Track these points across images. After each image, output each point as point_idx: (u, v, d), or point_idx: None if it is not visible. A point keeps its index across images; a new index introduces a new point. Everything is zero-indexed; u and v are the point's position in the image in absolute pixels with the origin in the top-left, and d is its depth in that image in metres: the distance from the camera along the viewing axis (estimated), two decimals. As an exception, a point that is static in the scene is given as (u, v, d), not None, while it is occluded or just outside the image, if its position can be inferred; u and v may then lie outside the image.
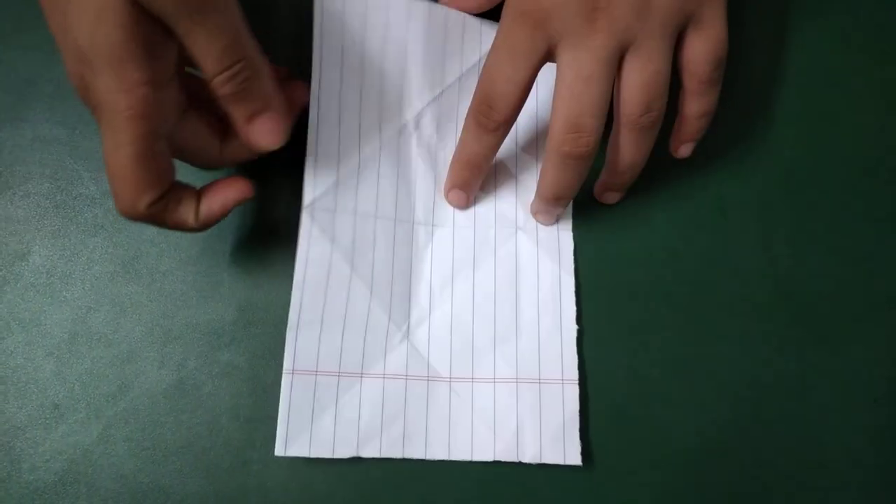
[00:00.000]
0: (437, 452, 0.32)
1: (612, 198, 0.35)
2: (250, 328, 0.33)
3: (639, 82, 0.29)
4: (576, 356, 0.33)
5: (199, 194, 0.30)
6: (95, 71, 0.25)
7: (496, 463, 0.32)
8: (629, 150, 0.31)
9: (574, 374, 0.33)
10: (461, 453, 0.32)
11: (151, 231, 0.34)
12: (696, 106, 0.31)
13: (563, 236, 0.35)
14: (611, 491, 0.32)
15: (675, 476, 0.33)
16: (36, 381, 0.33)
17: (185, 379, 0.33)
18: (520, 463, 0.32)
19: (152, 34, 0.25)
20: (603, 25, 0.28)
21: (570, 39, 0.28)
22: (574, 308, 0.34)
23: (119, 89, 0.25)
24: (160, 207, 0.28)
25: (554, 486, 0.32)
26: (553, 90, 0.29)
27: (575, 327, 0.33)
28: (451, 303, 0.34)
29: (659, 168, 0.35)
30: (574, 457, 0.32)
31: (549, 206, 0.33)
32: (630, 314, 0.35)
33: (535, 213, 0.35)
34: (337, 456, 0.31)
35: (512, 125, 0.31)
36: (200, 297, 0.34)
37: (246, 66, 0.27)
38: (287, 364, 0.31)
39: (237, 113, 0.28)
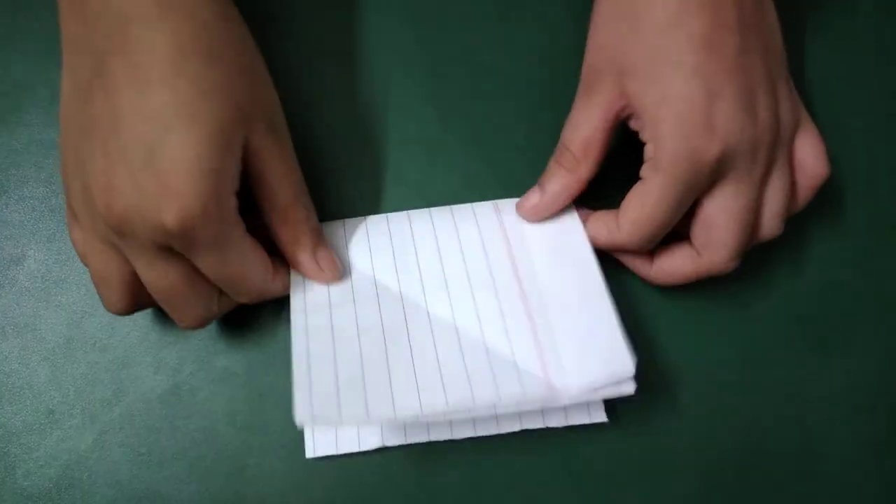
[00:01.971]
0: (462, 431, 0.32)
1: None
2: (246, 333, 0.33)
3: (778, 207, 0.31)
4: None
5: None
6: (177, 192, 0.25)
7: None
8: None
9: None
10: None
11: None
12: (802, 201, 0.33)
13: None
14: (607, 494, 0.32)
15: (670, 483, 0.33)
16: (31, 387, 0.32)
17: (181, 384, 0.33)
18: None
19: (236, 153, 0.27)
20: (761, 158, 0.30)
21: (733, 175, 0.30)
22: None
23: (215, 201, 0.26)
24: (280, 279, 0.31)
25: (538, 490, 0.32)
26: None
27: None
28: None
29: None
30: (599, 414, 0.32)
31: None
32: (629, 320, 0.34)
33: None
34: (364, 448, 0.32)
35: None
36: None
37: (309, 200, 0.31)
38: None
39: (303, 243, 0.31)
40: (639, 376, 0.33)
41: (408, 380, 0.29)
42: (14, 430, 0.32)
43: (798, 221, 0.36)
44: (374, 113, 0.36)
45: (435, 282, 0.32)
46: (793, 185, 0.32)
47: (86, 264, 0.30)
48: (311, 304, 0.31)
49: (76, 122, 0.27)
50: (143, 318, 0.33)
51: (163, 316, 0.33)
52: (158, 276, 0.28)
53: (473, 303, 0.31)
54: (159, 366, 0.33)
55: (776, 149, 0.30)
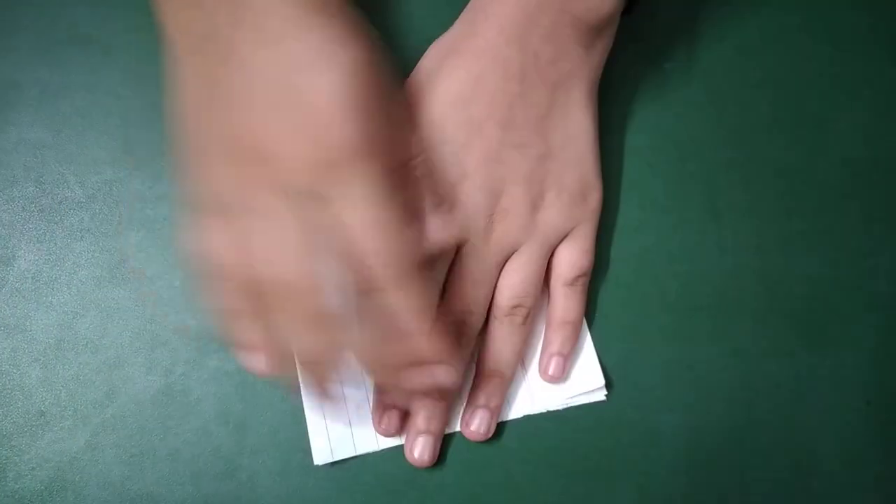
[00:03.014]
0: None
1: (480, 421, 0.32)
2: (239, 333, 0.33)
3: (518, 278, 0.32)
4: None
5: None
6: (336, 120, 0.26)
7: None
8: (499, 343, 0.33)
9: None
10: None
11: (138, 235, 0.34)
12: (559, 311, 0.33)
13: None
14: (599, 491, 0.32)
15: (666, 479, 0.33)
16: (21, 388, 0.32)
17: (173, 385, 0.32)
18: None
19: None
20: (495, 240, 0.32)
21: (469, 243, 0.32)
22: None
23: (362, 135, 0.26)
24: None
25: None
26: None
27: None
28: None
29: (651, 171, 0.35)
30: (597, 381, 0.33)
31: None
32: (622, 317, 0.34)
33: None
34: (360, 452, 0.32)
35: None
36: (188, 301, 0.33)
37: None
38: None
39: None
40: (631, 373, 0.33)
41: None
42: (5, 432, 0.32)
43: (794, 218, 0.36)
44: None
45: None
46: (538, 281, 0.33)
47: (217, 258, 0.28)
48: None
49: (210, 110, 0.27)
50: (135, 319, 0.33)
51: (154, 316, 0.33)
52: (270, 232, 0.26)
53: None
54: (151, 366, 0.33)
55: (518, 242, 0.32)
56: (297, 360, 0.28)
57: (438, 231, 0.31)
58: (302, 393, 0.32)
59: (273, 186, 0.26)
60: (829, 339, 0.35)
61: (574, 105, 0.33)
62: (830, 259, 0.35)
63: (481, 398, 0.32)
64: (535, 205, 0.32)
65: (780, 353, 0.34)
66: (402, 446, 0.32)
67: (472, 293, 0.32)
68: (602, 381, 0.33)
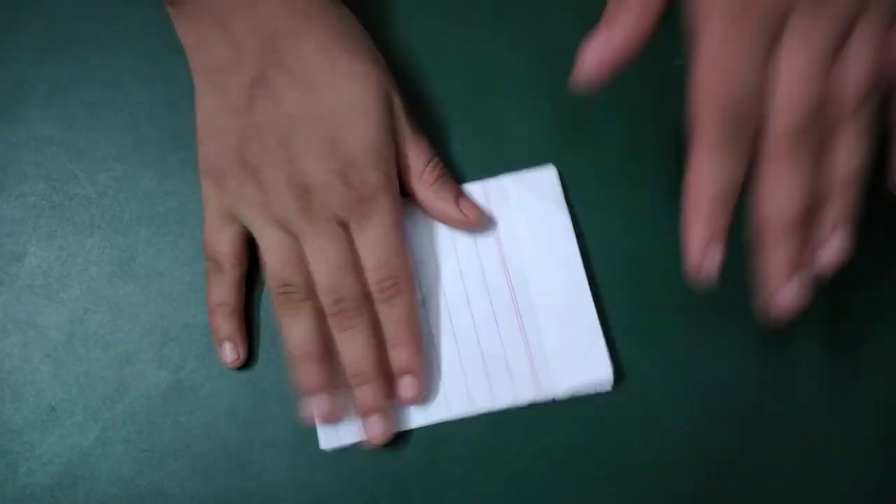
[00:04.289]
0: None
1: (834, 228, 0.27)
2: (248, 329, 0.33)
3: (866, 67, 0.24)
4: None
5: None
6: (367, 164, 0.31)
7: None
8: (852, 147, 0.26)
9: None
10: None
11: (147, 232, 0.34)
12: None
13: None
14: (605, 488, 0.32)
15: (670, 477, 0.33)
16: (33, 384, 0.32)
17: (184, 380, 0.33)
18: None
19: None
20: (831, 8, 0.24)
21: (797, 23, 0.24)
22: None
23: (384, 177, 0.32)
24: None
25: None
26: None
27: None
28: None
29: (656, 167, 0.35)
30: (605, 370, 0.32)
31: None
32: (628, 314, 0.34)
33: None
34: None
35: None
36: (198, 297, 0.33)
37: (440, 162, 0.34)
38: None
39: (444, 198, 0.33)
40: (637, 370, 0.33)
41: None
42: (16, 427, 0.32)
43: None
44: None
45: (433, 289, 0.33)
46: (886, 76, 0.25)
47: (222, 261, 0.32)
48: None
49: (235, 133, 0.31)
50: (146, 315, 0.33)
51: (165, 312, 0.33)
52: (327, 248, 0.31)
53: (469, 308, 0.33)
54: (161, 362, 0.33)
55: (858, 11, 0.24)
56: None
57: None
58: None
59: (321, 215, 0.31)
60: (837, 339, 0.34)
61: None
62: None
63: (842, 213, 0.27)
64: None
65: (787, 351, 0.34)
66: (409, 436, 0.32)
67: (819, 86, 0.24)
68: (610, 371, 0.32)
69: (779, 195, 0.26)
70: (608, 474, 0.32)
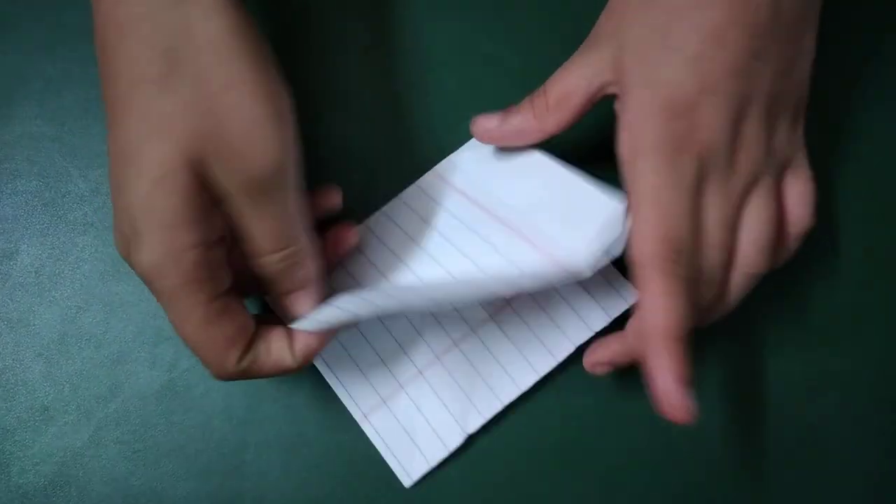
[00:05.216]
0: (525, 380, 0.32)
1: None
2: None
3: (765, 221, 0.28)
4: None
5: (289, 330, 0.28)
6: (142, 237, 0.24)
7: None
8: (735, 297, 0.29)
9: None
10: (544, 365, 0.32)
11: (142, 229, 0.34)
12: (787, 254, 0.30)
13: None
14: (606, 488, 0.32)
15: (674, 476, 0.32)
16: (25, 383, 0.32)
17: (177, 380, 0.32)
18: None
19: (206, 201, 0.25)
20: (741, 168, 0.27)
21: (714, 176, 0.27)
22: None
23: (167, 256, 0.24)
24: (251, 359, 0.26)
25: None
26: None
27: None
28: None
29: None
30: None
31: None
32: (625, 312, 0.34)
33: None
34: (451, 448, 0.32)
35: None
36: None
37: (294, 251, 0.27)
38: (355, 412, 0.32)
39: (274, 288, 0.28)
40: (633, 372, 0.33)
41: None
42: (8, 426, 0.32)
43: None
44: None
45: (426, 266, 0.32)
46: (780, 225, 0.29)
47: None
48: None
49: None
50: (139, 313, 0.33)
51: (158, 311, 0.33)
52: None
53: (470, 261, 0.32)
54: (155, 361, 0.32)
55: (760, 172, 0.28)
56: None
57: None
58: (372, 423, 0.32)
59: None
60: (838, 337, 0.34)
61: (814, 15, 0.28)
62: (841, 256, 0.35)
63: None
64: (772, 127, 0.28)
65: (790, 349, 0.34)
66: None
67: (723, 239, 0.27)
68: (620, 207, 0.29)
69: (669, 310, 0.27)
70: (608, 474, 0.32)
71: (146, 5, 0.24)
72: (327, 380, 0.32)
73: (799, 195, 0.29)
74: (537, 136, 0.30)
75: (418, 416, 0.32)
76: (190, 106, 0.24)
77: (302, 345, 0.27)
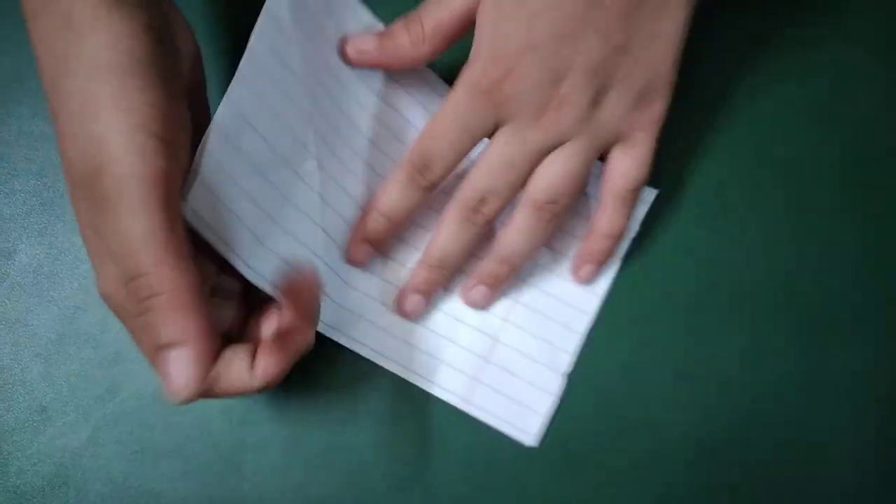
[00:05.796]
0: (589, 304, 0.34)
1: (482, 296, 0.33)
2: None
3: (559, 171, 0.30)
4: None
5: (252, 350, 0.26)
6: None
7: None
8: (520, 234, 0.31)
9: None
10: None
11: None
12: (605, 223, 0.32)
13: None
14: (606, 488, 0.32)
15: (672, 476, 0.32)
16: (23, 383, 0.32)
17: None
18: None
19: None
20: (545, 125, 0.29)
21: (513, 124, 0.30)
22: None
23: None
24: (211, 379, 0.24)
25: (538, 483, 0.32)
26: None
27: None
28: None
29: (659, 168, 0.35)
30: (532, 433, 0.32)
31: (429, 274, 0.32)
32: (628, 311, 0.34)
33: (407, 293, 0.32)
34: (556, 393, 0.33)
35: (437, 188, 0.31)
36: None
37: (140, 285, 0.23)
38: (454, 399, 0.33)
39: (134, 337, 0.25)
40: (639, 370, 0.33)
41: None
42: (6, 427, 0.31)
43: (804, 215, 0.35)
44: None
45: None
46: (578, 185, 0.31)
47: None
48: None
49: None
50: (137, 313, 0.33)
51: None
52: None
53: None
54: (153, 361, 0.32)
55: (571, 135, 0.30)
56: None
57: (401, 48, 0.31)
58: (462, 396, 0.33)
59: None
60: (838, 335, 0.34)
61: (676, 0, 0.29)
62: (840, 255, 0.35)
63: (487, 278, 0.33)
64: (596, 99, 0.30)
65: (789, 349, 0.34)
66: (398, 436, 0.32)
67: (503, 176, 0.30)
68: (535, 438, 0.32)
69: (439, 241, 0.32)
70: (608, 475, 0.32)
71: (41, 30, 0.24)
72: (418, 383, 0.33)
73: (622, 168, 0.31)
74: (413, 64, 0.32)
75: (513, 379, 0.33)
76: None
77: (263, 365, 0.25)
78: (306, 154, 0.30)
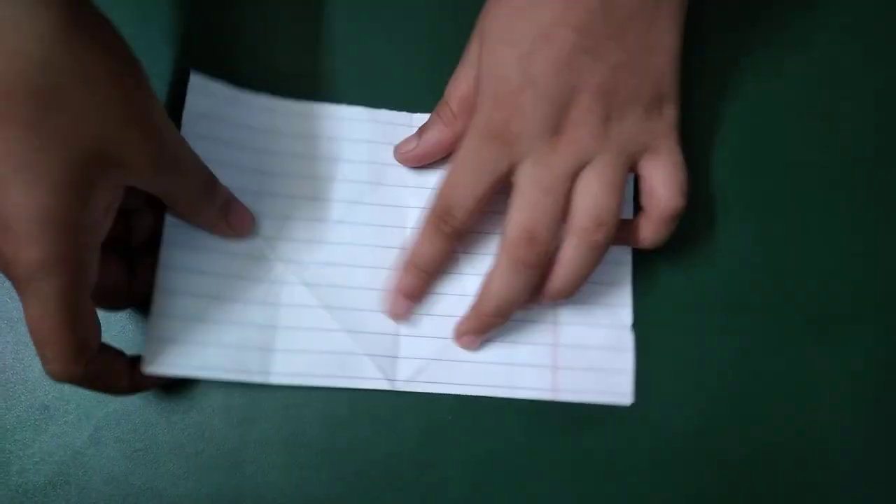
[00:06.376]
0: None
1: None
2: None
3: (594, 188, 0.30)
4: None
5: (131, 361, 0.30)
6: (19, 237, 0.24)
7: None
8: (569, 267, 0.30)
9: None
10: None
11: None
12: (650, 234, 0.32)
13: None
14: (606, 488, 0.32)
15: (670, 474, 0.32)
16: (25, 382, 0.32)
17: (177, 379, 0.32)
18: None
19: (97, 198, 0.25)
20: (563, 148, 0.29)
21: (531, 157, 0.29)
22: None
23: (49, 256, 0.24)
24: (96, 367, 0.27)
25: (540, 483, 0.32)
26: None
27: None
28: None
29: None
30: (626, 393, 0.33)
31: (484, 322, 0.32)
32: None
33: (460, 335, 0.33)
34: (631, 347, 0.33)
35: (465, 236, 0.32)
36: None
37: (220, 192, 0.31)
38: (544, 395, 0.33)
39: (218, 219, 0.31)
40: (639, 370, 0.33)
41: None
42: (8, 426, 0.32)
43: (803, 214, 0.35)
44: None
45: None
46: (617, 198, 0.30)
47: None
48: None
49: None
50: (139, 312, 0.33)
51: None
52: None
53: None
54: (155, 361, 0.32)
55: (593, 153, 0.29)
56: None
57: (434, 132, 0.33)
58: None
59: None
60: (837, 335, 0.34)
61: (664, 12, 0.30)
62: (839, 255, 0.35)
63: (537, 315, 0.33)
64: (607, 116, 0.29)
65: (788, 350, 0.34)
66: (404, 444, 0.32)
67: (541, 203, 0.29)
68: (630, 396, 0.33)
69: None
70: (608, 474, 0.32)
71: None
72: (506, 395, 0.33)
73: (662, 177, 0.31)
74: (453, 142, 0.33)
75: (588, 352, 0.33)
76: (84, 118, 0.25)
77: (138, 375, 0.30)
78: (267, 260, 0.33)
